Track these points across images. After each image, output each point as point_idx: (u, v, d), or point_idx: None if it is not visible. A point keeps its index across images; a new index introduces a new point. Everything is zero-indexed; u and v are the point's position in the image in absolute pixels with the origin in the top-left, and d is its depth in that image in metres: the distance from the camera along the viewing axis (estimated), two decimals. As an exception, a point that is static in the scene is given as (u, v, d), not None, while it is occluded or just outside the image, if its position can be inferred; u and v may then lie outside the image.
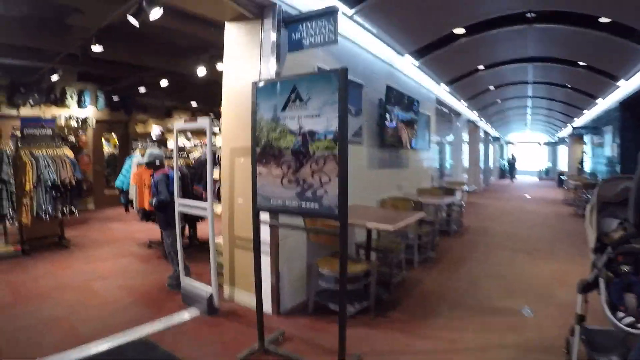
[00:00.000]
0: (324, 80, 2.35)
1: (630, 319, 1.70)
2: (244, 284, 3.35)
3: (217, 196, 3.87)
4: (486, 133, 17.14)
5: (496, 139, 20.02)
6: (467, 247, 5.57)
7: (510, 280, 4.09)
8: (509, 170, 22.09)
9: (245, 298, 3.32)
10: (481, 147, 15.38)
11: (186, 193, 4.14)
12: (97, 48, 5.20)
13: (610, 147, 9.41)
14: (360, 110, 4.44)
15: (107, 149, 10.26)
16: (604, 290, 1.82)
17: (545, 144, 24.39)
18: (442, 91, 7.95)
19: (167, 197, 3.63)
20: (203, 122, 3.20)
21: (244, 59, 3.34)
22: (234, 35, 3.46)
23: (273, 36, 3.12)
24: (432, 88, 7.22)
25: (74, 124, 8.34)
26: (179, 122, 3.69)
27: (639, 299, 1.76)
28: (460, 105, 9.99)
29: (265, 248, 3.07)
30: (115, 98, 9.16)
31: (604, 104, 9.06)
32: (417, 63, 6.00)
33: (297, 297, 3.37)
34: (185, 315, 3.16)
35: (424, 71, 6.46)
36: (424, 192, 5.85)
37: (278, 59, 3.12)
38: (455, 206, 6.98)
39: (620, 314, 1.73)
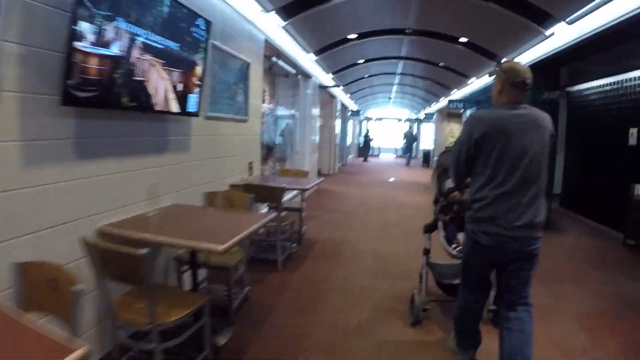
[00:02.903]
0: None
1: (461, 248, 2.65)
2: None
3: None
4: (344, 106, 15.75)
5: (355, 113, 19.03)
6: (306, 306, 3.18)
7: None
8: (364, 149, 21.62)
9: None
10: (338, 122, 13.82)
11: None
12: None
13: None
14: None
15: None
16: (441, 229, 2.87)
17: (407, 120, 24.86)
18: (277, 31, 5.43)
19: None
20: None
21: None
22: None
23: None
24: (257, 20, 4.61)
25: None
26: None
27: None
28: (309, 63, 7.74)
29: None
30: None
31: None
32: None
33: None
34: None
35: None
36: (222, 198, 3.26)
37: None
38: (292, 211, 4.69)
39: (454, 246, 2.79)
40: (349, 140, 20.15)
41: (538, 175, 1.99)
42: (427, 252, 2.99)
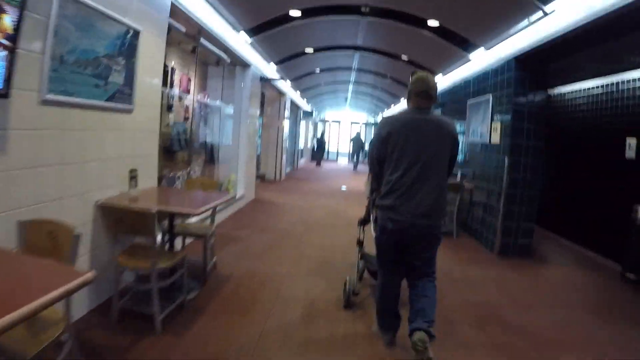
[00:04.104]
0: None
1: None
2: None
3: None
4: (296, 105, 14.75)
5: (308, 114, 18.07)
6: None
7: None
8: (317, 153, 20.65)
9: None
10: (287, 122, 12.79)
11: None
12: None
13: (483, 126, 6.00)
14: None
15: None
16: (372, 222, 2.97)
17: (364, 124, 24.20)
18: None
19: None
20: None
21: None
22: None
23: None
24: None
25: None
26: None
27: None
28: (243, 46, 6.65)
29: None
30: None
31: (476, 64, 6.40)
32: None
33: None
34: None
35: None
36: (39, 233, 2.10)
37: None
38: (198, 236, 3.63)
39: None
40: (301, 143, 19.15)
41: (437, 171, 2.39)
42: (360, 243, 3.52)
